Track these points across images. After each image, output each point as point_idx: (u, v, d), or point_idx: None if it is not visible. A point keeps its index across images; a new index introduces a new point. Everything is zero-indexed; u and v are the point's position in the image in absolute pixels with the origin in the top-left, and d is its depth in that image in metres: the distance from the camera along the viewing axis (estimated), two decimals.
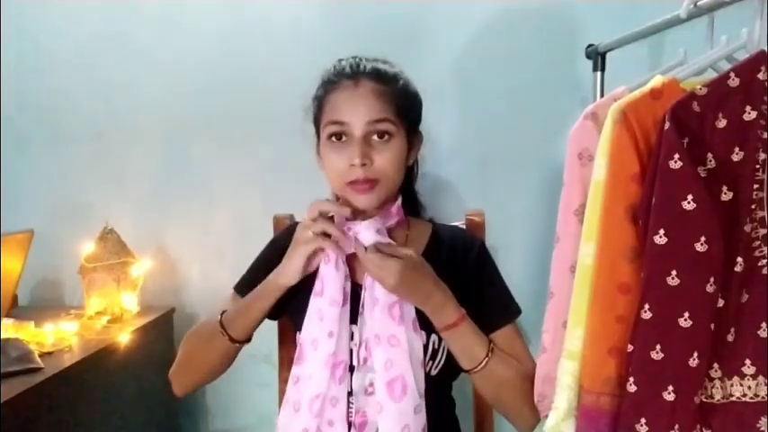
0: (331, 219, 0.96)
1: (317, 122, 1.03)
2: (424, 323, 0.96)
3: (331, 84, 1.00)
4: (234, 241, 1.64)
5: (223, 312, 1.02)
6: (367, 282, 0.96)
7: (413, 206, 1.11)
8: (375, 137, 0.96)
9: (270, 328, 1.26)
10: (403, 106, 0.99)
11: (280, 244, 1.06)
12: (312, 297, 0.97)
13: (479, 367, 0.94)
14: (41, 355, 1.18)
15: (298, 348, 0.98)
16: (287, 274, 0.96)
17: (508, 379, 0.95)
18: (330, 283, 0.95)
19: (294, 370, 0.98)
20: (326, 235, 0.94)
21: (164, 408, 1.59)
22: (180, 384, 1.09)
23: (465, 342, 0.95)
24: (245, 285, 1.07)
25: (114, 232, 1.52)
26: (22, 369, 1.12)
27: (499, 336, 1.00)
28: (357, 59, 1.02)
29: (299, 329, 1.01)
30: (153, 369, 1.53)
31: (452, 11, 1.54)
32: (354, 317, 0.96)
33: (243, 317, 1.01)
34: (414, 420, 0.92)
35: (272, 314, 1.08)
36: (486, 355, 0.94)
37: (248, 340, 1.03)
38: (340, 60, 1.03)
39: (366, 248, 0.93)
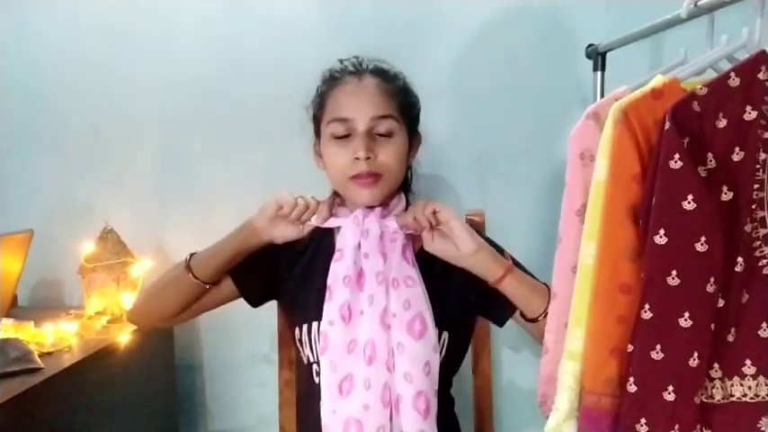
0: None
1: (317, 120, 1.03)
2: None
3: (334, 80, 1.01)
4: None
5: (193, 253, 1.04)
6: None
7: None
8: (377, 133, 0.96)
9: (270, 329, 1.27)
10: (405, 104, 1.00)
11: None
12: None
13: (545, 310, 0.94)
14: (41, 355, 1.18)
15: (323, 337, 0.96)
16: (260, 216, 0.98)
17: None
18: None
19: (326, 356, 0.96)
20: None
21: (163, 408, 1.59)
22: (133, 313, 1.13)
23: (523, 288, 0.97)
24: (240, 265, 1.06)
25: (114, 232, 1.52)
26: (22, 369, 1.12)
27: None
28: (359, 58, 1.02)
29: (299, 325, 1.01)
30: (153, 369, 1.53)
31: (452, 11, 1.54)
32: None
33: (211, 257, 1.02)
34: (433, 359, 0.93)
35: (253, 300, 1.08)
36: (549, 296, 0.93)
37: (210, 282, 1.03)
38: (341, 60, 1.04)
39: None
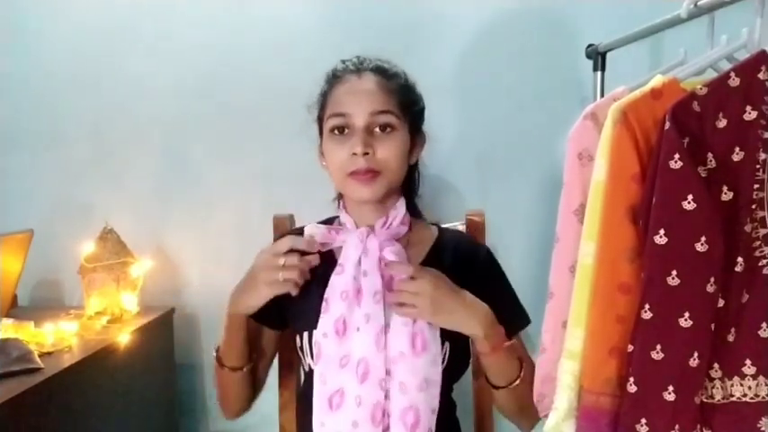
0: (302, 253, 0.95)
1: (320, 119, 1.03)
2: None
3: (335, 78, 1.01)
4: (234, 241, 1.64)
5: (217, 348, 1.03)
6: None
7: (412, 208, 1.11)
8: (377, 129, 0.96)
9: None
10: (406, 101, 0.99)
11: None
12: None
13: (510, 387, 0.94)
14: (41, 355, 1.18)
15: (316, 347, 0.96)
16: (249, 304, 0.96)
17: (529, 395, 0.94)
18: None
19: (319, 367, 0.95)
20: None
21: (163, 408, 1.59)
22: (226, 413, 1.11)
23: (502, 366, 0.94)
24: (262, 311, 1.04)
25: (114, 232, 1.52)
26: (22, 369, 1.12)
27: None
28: (360, 58, 1.02)
29: (299, 333, 1.01)
30: (153, 369, 1.53)
31: (453, 11, 1.54)
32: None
33: (227, 345, 1.01)
34: (433, 375, 0.92)
35: (276, 326, 1.07)
36: (518, 378, 0.94)
37: (250, 363, 1.03)
38: (343, 61, 1.04)
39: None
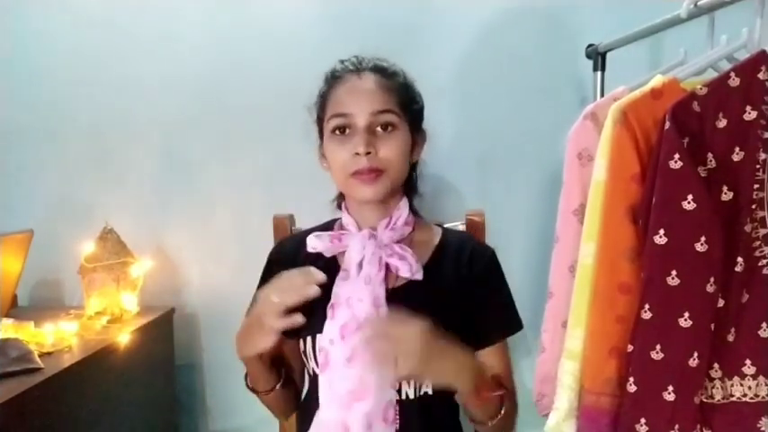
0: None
1: (320, 120, 1.03)
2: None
3: (334, 79, 1.01)
4: (234, 241, 1.64)
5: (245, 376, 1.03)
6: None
7: (413, 208, 1.11)
8: (379, 128, 0.96)
9: None
10: (406, 99, 0.99)
11: (277, 262, 1.06)
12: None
13: (488, 426, 0.93)
14: (41, 355, 1.18)
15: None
16: (248, 351, 0.93)
17: (508, 425, 0.95)
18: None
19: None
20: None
21: (164, 408, 1.59)
22: (280, 419, 1.15)
23: (481, 410, 0.93)
24: None
25: (114, 232, 1.52)
26: (22, 369, 1.11)
27: (492, 350, 0.97)
28: (359, 57, 1.02)
29: (302, 337, 1.01)
30: (153, 369, 1.53)
31: (453, 11, 1.54)
32: None
33: (256, 378, 1.01)
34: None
35: (292, 336, 1.05)
36: (497, 417, 0.92)
37: (280, 380, 1.01)
38: (342, 60, 1.04)
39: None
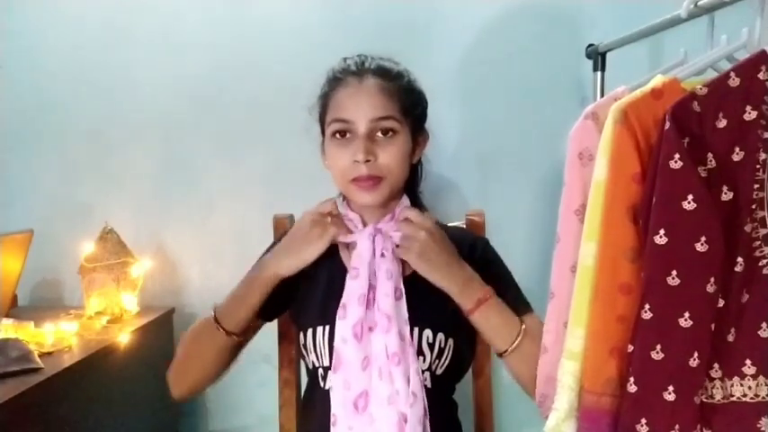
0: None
1: (321, 120, 1.03)
2: (429, 321, 0.96)
3: (336, 81, 1.01)
4: (234, 241, 1.64)
5: (215, 308, 1.02)
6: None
7: (415, 206, 1.11)
8: (379, 134, 0.96)
9: (269, 329, 1.26)
10: (407, 103, 0.99)
11: None
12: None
13: (514, 346, 0.93)
14: (41, 355, 1.18)
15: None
16: (292, 264, 0.97)
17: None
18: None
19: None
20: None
21: (164, 408, 1.59)
22: (177, 387, 1.07)
23: (496, 320, 0.95)
24: None
25: (114, 232, 1.52)
26: (22, 369, 1.12)
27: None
28: (362, 57, 1.02)
29: (303, 330, 1.01)
30: (153, 369, 1.52)
31: (453, 11, 1.54)
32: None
33: (236, 307, 1.00)
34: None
35: (267, 315, 1.07)
36: (519, 333, 0.93)
37: (244, 334, 1.02)
38: (345, 59, 1.03)
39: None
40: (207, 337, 1.01)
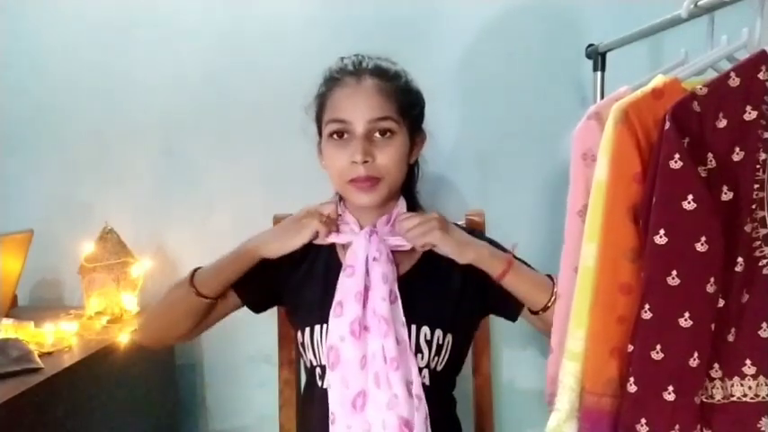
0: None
1: (318, 120, 1.03)
2: (427, 318, 0.96)
3: (333, 81, 1.01)
4: (234, 241, 1.61)
5: (196, 269, 1.03)
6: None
7: (412, 207, 1.11)
8: (377, 134, 0.96)
9: (270, 329, 1.26)
10: (405, 104, 0.99)
11: None
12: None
13: (553, 299, 0.93)
14: (41, 355, 1.18)
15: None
16: (279, 245, 0.99)
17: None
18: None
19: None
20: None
21: (163, 408, 1.59)
22: (142, 331, 1.12)
23: (529, 277, 0.96)
24: (242, 279, 1.06)
25: (114, 232, 1.52)
26: (22, 369, 1.12)
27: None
28: (359, 57, 1.02)
29: (300, 329, 1.01)
30: (153, 369, 1.53)
31: (453, 11, 1.54)
32: None
33: (213, 272, 1.02)
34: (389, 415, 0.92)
35: (257, 308, 1.08)
36: (554, 287, 0.94)
37: (214, 298, 1.03)
38: (342, 58, 1.03)
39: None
40: (180, 292, 1.03)
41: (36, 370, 1.13)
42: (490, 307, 1.07)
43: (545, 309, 0.95)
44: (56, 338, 1.27)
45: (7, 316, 1.37)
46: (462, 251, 0.95)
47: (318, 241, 1.00)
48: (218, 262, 1.03)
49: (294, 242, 0.98)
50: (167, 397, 1.61)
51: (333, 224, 1.00)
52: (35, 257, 1.51)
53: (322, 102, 1.02)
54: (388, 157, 0.96)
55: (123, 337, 1.34)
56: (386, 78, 0.99)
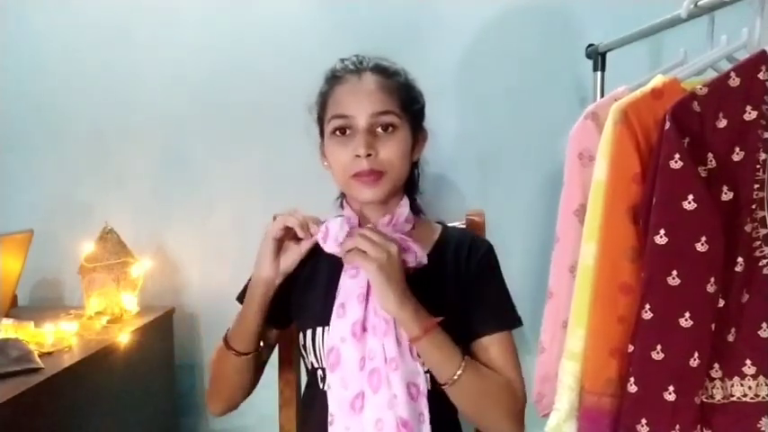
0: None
1: (321, 120, 1.03)
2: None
3: (335, 79, 1.01)
4: (234, 241, 1.64)
5: (226, 332, 1.01)
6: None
7: (414, 209, 1.11)
8: (379, 129, 0.96)
9: None
10: (406, 100, 0.99)
11: None
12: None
13: (453, 380, 0.90)
14: (41, 355, 1.18)
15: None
16: (261, 265, 0.96)
17: (485, 392, 0.92)
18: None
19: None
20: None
21: (164, 408, 1.59)
22: (212, 406, 1.09)
23: (437, 354, 0.91)
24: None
25: (114, 232, 1.52)
26: (22, 369, 1.11)
27: (489, 341, 0.96)
28: (360, 57, 1.02)
29: (302, 330, 1.01)
30: (153, 369, 1.53)
31: (453, 11, 1.54)
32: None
33: (240, 326, 0.99)
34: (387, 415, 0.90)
35: (279, 323, 1.07)
36: (459, 368, 0.90)
37: (256, 350, 1.00)
38: (342, 59, 1.04)
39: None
40: (223, 360, 1.01)
41: (36, 370, 1.13)
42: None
43: (447, 384, 0.92)
44: (56, 338, 1.26)
45: (7, 316, 1.37)
46: (385, 298, 0.89)
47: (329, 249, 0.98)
48: (239, 315, 1.00)
49: (265, 259, 0.96)
50: (167, 397, 1.61)
51: (303, 223, 0.96)
52: (35, 257, 1.50)
53: (324, 100, 1.02)
54: (391, 151, 0.96)
55: (123, 337, 1.34)
56: (387, 75, 1.00)
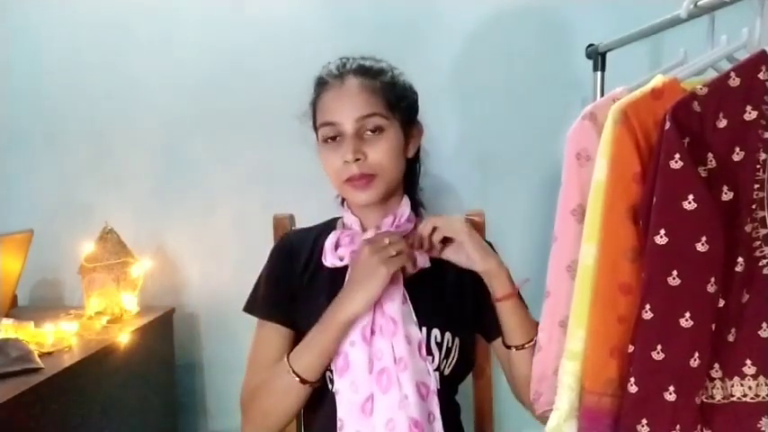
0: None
1: (314, 126, 1.04)
2: (436, 320, 0.96)
3: (320, 86, 1.02)
4: (234, 241, 1.64)
5: (290, 360, 0.96)
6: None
7: (415, 206, 1.11)
8: (368, 132, 0.96)
9: None
10: (392, 98, 0.99)
11: (286, 252, 1.06)
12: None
13: (532, 343, 0.93)
14: (41, 355, 1.18)
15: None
16: (366, 298, 0.90)
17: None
18: None
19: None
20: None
21: (163, 408, 1.59)
22: None
23: (519, 313, 0.95)
24: (268, 305, 1.03)
25: (114, 232, 1.52)
26: (22, 369, 1.11)
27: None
28: (343, 59, 1.03)
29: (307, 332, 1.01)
30: (153, 369, 1.53)
31: (452, 11, 1.54)
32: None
33: (317, 359, 0.94)
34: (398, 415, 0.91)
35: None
36: (536, 332, 0.93)
37: (319, 380, 0.97)
38: (328, 63, 1.04)
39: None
40: (288, 391, 0.96)
41: (36, 370, 1.13)
42: (477, 319, 1.06)
43: (519, 348, 0.95)
44: (56, 338, 1.27)
45: (7, 316, 1.37)
46: (485, 256, 0.93)
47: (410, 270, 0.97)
48: (312, 346, 0.94)
49: (375, 289, 0.90)
50: (167, 397, 1.61)
51: (409, 252, 0.94)
52: (35, 257, 1.51)
53: (314, 108, 1.03)
54: (380, 153, 0.96)
55: (123, 337, 1.34)
56: (369, 76, 1.00)
